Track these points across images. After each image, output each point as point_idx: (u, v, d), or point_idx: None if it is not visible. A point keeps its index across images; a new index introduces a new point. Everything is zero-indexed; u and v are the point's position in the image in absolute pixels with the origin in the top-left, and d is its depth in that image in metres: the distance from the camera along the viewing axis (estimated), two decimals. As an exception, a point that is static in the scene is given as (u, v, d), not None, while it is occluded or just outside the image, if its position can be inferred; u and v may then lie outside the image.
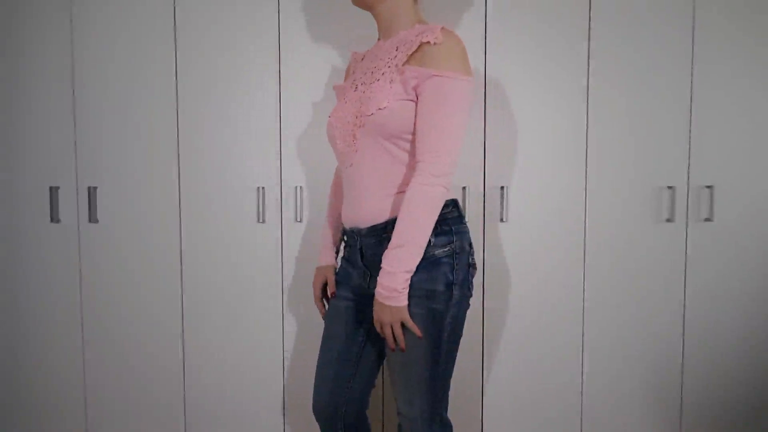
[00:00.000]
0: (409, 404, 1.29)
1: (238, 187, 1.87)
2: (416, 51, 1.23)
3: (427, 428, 1.29)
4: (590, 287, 1.93)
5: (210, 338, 1.91)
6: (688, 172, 1.92)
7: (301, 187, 1.86)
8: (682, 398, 1.98)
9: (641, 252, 1.93)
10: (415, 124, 1.23)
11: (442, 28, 1.23)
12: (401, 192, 1.27)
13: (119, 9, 1.84)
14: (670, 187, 1.91)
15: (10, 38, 1.85)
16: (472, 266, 1.31)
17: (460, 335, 1.31)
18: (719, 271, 1.95)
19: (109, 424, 1.93)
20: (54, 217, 1.87)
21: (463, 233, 1.30)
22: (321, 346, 1.42)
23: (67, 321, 1.91)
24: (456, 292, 1.26)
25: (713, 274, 1.95)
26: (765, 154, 1.94)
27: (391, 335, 1.22)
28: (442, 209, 1.24)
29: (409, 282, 1.21)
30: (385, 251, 1.21)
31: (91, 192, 1.87)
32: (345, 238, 1.43)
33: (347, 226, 1.37)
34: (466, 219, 1.86)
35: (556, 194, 1.90)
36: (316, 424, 1.43)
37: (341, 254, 1.47)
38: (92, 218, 1.87)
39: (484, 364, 1.93)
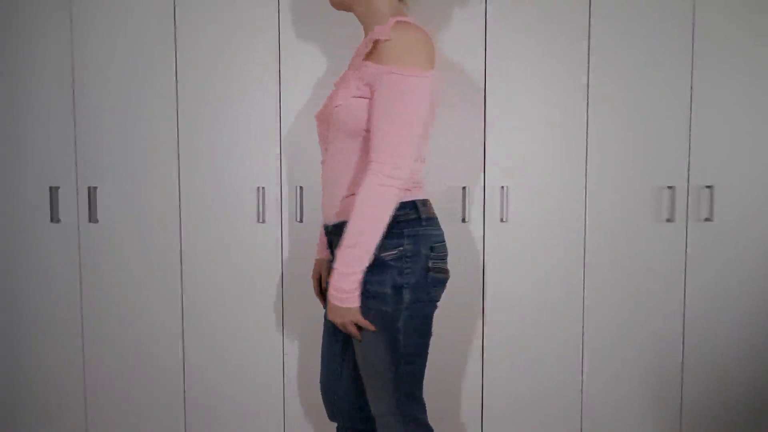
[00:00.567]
0: (374, 401, 1.31)
1: (238, 187, 1.87)
2: (373, 48, 1.23)
3: (401, 429, 1.30)
4: (590, 287, 1.93)
5: (210, 338, 1.91)
6: (688, 172, 1.92)
7: (301, 187, 1.87)
8: (682, 398, 1.98)
9: (641, 252, 1.93)
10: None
11: (397, 22, 1.21)
12: None
13: (119, 9, 1.84)
14: (670, 187, 1.91)
15: (10, 38, 1.85)
16: (432, 270, 1.26)
17: (422, 339, 1.30)
18: (719, 271, 1.95)
19: (109, 424, 1.93)
20: (54, 217, 1.87)
21: (420, 236, 1.26)
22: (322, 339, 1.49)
23: (67, 321, 1.91)
24: (407, 295, 1.23)
25: (713, 274, 1.95)
26: (765, 154, 1.94)
27: (349, 332, 1.25)
28: (396, 211, 1.22)
29: (359, 282, 1.20)
30: (337, 250, 1.21)
31: (91, 192, 1.87)
32: None
33: (323, 221, 1.41)
34: (466, 219, 1.87)
35: (556, 194, 1.90)
36: (316, 424, 1.43)
37: None
38: (92, 218, 1.87)
39: (484, 364, 1.93)
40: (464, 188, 1.87)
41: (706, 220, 1.93)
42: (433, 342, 1.91)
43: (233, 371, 1.92)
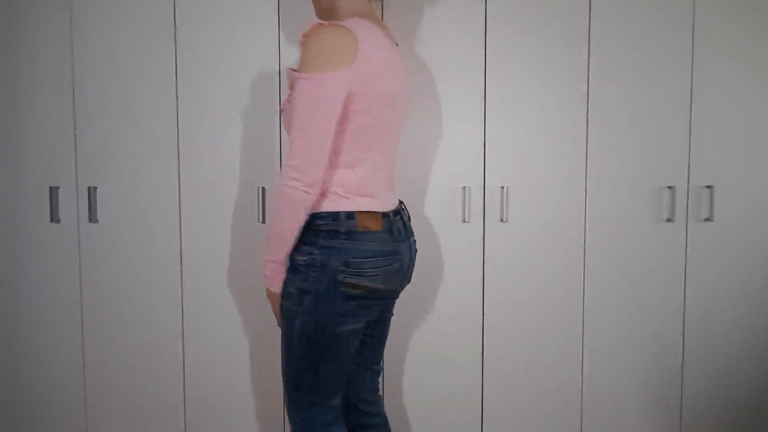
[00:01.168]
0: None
1: (238, 187, 1.87)
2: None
3: (291, 414, 1.37)
4: (590, 287, 1.93)
5: (210, 338, 1.91)
6: (688, 172, 1.92)
7: (301, 187, 1.86)
8: (682, 398, 1.98)
9: (641, 252, 1.93)
10: None
11: (318, 24, 1.24)
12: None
13: (119, 9, 1.84)
14: (670, 187, 1.91)
15: (10, 38, 1.85)
16: (342, 285, 1.24)
17: (319, 349, 1.30)
18: (719, 271, 1.95)
19: (109, 424, 1.93)
20: (54, 217, 1.87)
21: (334, 249, 1.24)
22: None
23: (67, 321, 1.91)
24: (307, 301, 1.25)
25: (713, 274, 1.95)
26: (765, 154, 1.94)
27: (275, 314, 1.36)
28: (315, 219, 1.26)
29: (275, 271, 1.29)
30: None
31: (91, 192, 1.86)
32: None
33: None
34: (466, 219, 1.87)
35: (556, 194, 1.90)
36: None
37: None
38: (92, 218, 1.87)
39: (484, 364, 1.93)
40: (464, 188, 1.87)
41: (706, 220, 1.93)
42: (433, 341, 1.92)
43: (233, 371, 1.92)
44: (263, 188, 1.86)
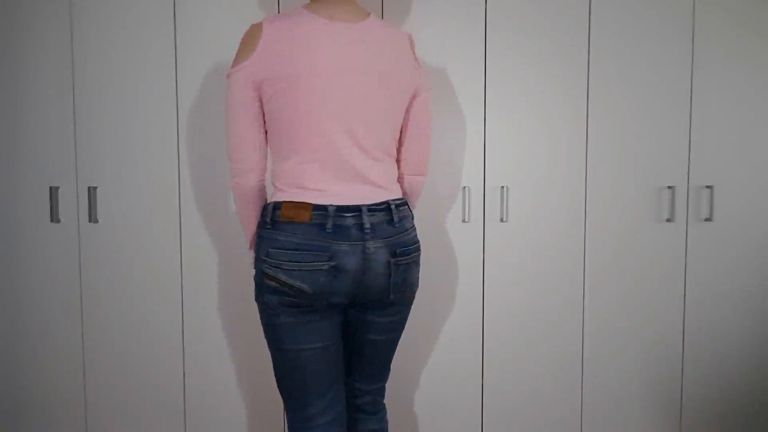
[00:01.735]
0: None
1: (238, 187, 1.87)
2: None
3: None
4: (590, 287, 1.93)
5: (210, 338, 1.91)
6: (688, 172, 1.92)
7: (301, 187, 1.86)
8: (682, 398, 1.98)
9: (641, 252, 1.93)
10: None
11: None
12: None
13: (119, 9, 1.84)
14: (670, 187, 1.91)
15: (10, 38, 1.85)
16: (265, 276, 1.24)
17: (272, 341, 1.30)
18: (719, 271, 1.95)
19: (109, 424, 1.93)
20: (54, 217, 1.87)
21: (262, 239, 1.27)
22: None
23: (67, 321, 1.91)
24: (255, 291, 1.31)
25: (713, 274, 1.95)
26: (765, 154, 1.94)
27: None
28: (263, 210, 1.32)
29: (251, 249, 1.39)
30: None
31: (91, 192, 1.86)
32: None
33: None
34: (466, 219, 1.87)
35: (556, 194, 1.90)
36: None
37: None
38: (92, 218, 1.87)
39: (484, 364, 1.93)
40: (464, 188, 1.87)
41: (706, 220, 1.93)
42: (433, 342, 1.92)
43: (234, 371, 1.92)
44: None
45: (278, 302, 1.24)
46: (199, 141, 1.86)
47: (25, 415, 1.94)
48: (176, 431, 1.93)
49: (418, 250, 1.35)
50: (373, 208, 1.26)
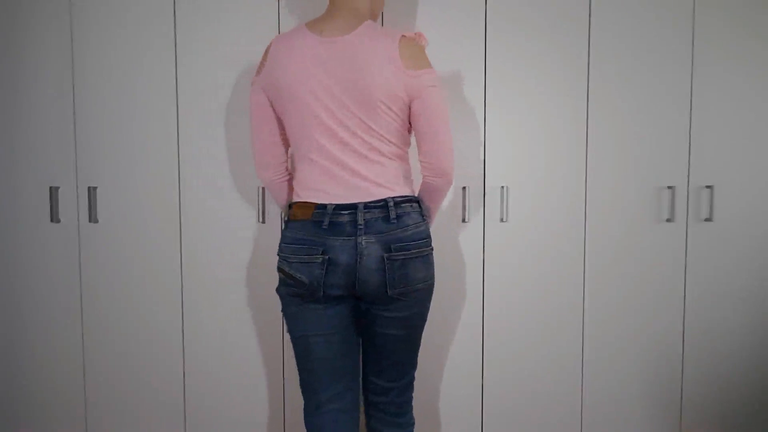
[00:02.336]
0: None
1: (238, 187, 1.87)
2: None
3: None
4: (590, 287, 1.93)
5: (210, 338, 1.91)
6: (688, 172, 1.92)
7: (301, 187, 1.86)
8: (682, 398, 1.98)
9: (641, 252, 1.93)
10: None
11: None
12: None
13: (119, 9, 1.84)
14: (670, 187, 1.91)
15: (10, 38, 1.85)
16: (278, 269, 1.39)
17: (286, 323, 1.44)
18: (719, 271, 1.95)
19: (109, 424, 1.93)
20: (54, 217, 1.87)
21: (282, 236, 1.41)
22: None
23: (67, 321, 1.91)
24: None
25: (713, 274, 1.95)
26: (765, 154, 1.94)
27: None
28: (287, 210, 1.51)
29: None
30: None
31: (91, 192, 1.86)
32: None
33: None
34: (466, 219, 1.87)
35: (556, 194, 1.90)
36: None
37: None
38: (92, 218, 1.87)
39: (484, 364, 1.93)
40: (464, 188, 1.87)
41: (706, 220, 1.93)
42: (433, 341, 1.92)
43: (234, 371, 1.92)
44: (263, 188, 1.86)
45: (286, 292, 1.39)
46: (199, 141, 1.86)
47: (25, 415, 1.94)
48: (176, 431, 1.93)
49: (422, 246, 1.37)
50: (369, 206, 1.34)
